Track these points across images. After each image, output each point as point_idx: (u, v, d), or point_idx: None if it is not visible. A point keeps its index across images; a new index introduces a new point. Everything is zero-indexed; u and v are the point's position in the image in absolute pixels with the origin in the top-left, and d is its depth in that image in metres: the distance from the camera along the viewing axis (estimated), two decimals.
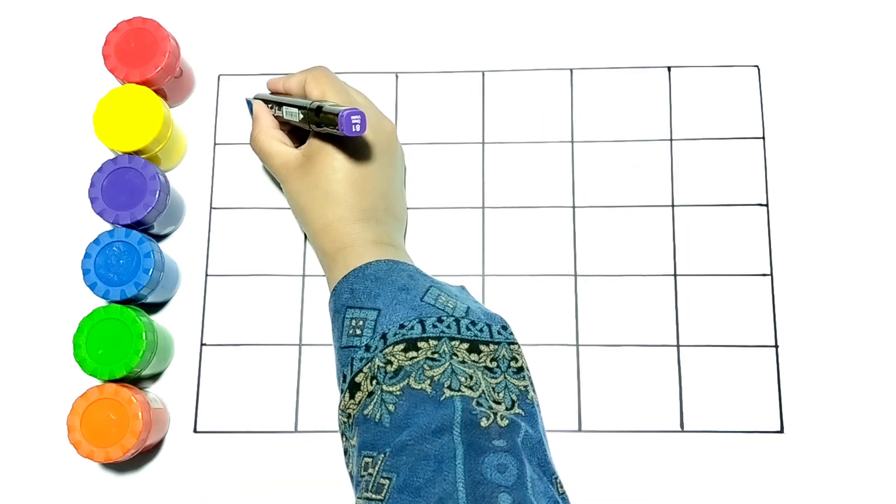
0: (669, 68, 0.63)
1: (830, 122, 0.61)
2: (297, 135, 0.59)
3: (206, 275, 0.60)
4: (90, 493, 0.57)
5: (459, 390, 0.45)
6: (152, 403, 0.55)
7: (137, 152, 0.58)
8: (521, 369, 0.49)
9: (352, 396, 0.48)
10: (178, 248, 0.61)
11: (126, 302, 0.56)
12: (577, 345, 0.58)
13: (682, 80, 0.62)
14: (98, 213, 0.56)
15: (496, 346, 0.49)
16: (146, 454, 0.57)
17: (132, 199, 0.56)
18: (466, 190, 0.61)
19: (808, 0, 0.63)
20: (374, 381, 0.47)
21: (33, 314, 0.60)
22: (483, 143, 0.62)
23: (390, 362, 0.47)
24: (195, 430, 0.58)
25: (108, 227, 0.57)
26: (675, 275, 0.59)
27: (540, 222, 0.60)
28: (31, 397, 0.59)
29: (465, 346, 0.48)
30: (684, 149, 0.61)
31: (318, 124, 0.52)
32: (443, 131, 0.62)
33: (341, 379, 0.49)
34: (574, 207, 0.61)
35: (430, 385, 0.45)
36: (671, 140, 0.62)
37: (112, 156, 0.59)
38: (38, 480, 0.58)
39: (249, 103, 0.60)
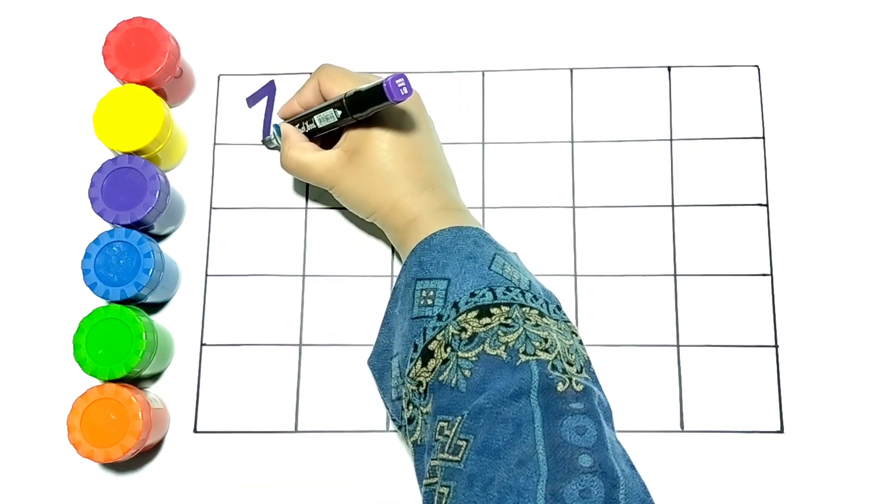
0: (669, 68, 0.63)
1: (830, 122, 0.61)
2: (326, 145, 0.58)
3: (206, 275, 0.60)
4: (90, 493, 0.57)
5: (535, 354, 0.46)
6: (152, 403, 0.55)
7: (137, 152, 0.58)
8: (581, 342, 0.50)
9: (424, 364, 0.48)
10: (178, 248, 0.61)
11: (126, 302, 0.56)
12: None
13: (682, 80, 0.62)
14: (98, 213, 0.56)
15: (556, 322, 0.49)
16: (146, 454, 0.58)
17: (132, 199, 0.56)
18: (466, 190, 0.61)
19: (808, 0, 0.63)
20: (449, 349, 0.47)
21: (33, 314, 0.60)
22: (483, 143, 0.62)
23: (464, 329, 0.47)
24: (195, 430, 0.58)
25: (108, 227, 0.57)
26: (675, 275, 0.59)
27: (540, 222, 0.60)
28: (31, 397, 0.59)
29: (535, 312, 0.48)
30: (684, 149, 0.61)
31: (361, 109, 0.51)
32: (443, 131, 0.61)
33: (411, 348, 0.49)
34: (574, 207, 0.61)
35: (504, 351, 0.46)
36: (671, 140, 0.62)
37: (112, 156, 0.59)
38: (38, 480, 0.58)
39: (278, 129, 0.59)
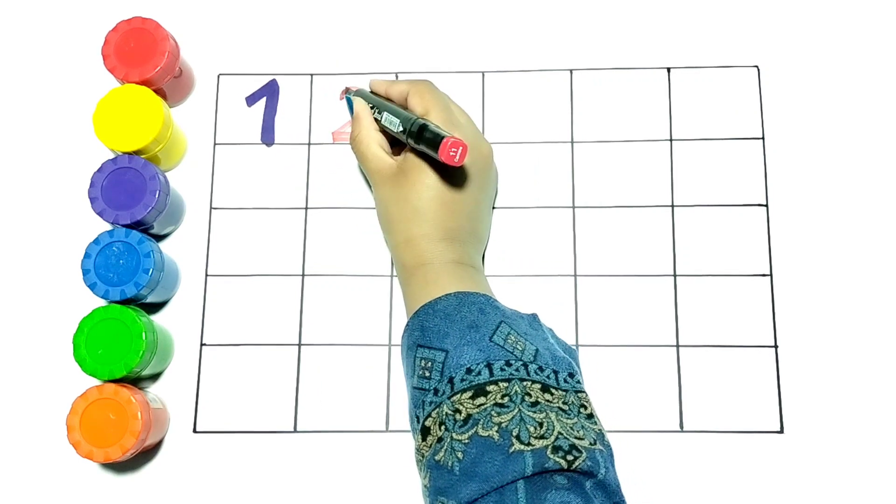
0: (669, 69, 0.63)
1: (830, 122, 0.61)
2: (395, 139, 0.58)
3: (206, 275, 0.60)
4: (90, 493, 0.57)
5: (529, 442, 0.45)
6: (152, 403, 0.55)
7: (137, 152, 0.58)
8: (591, 416, 0.49)
9: (423, 439, 0.48)
10: (178, 248, 0.61)
11: (126, 302, 0.56)
12: (578, 345, 0.58)
13: (681, 81, 0.62)
14: (98, 213, 0.56)
15: (564, 393, 0.48)
16: (146, 454, 0.57)
17: (132, 199, 0.56)
18: None
19: (808, 0, 0.63)
20: (443, 427, 0.47)
21: (33, 314, 0.60)
22: None
23: (458, 410, 0.47)
24: (195, 430, 0.58)
25: (108, 227, 0.57)
26: (674, 275, 0.59)
27: (540, 222, 0.60)
28: (31, 397, 0.59)
29: (538, 385, 0.47)
30: (684, 149, 0.61)
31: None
32: None
33: (414, 420, 0.49)
34: (574, 207, 0.61)
35: (497, 432, 0.45)
36: (671, 140, 0.62)
37: (112, 156, 0.59)
38: (37, 480, 0.58)
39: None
